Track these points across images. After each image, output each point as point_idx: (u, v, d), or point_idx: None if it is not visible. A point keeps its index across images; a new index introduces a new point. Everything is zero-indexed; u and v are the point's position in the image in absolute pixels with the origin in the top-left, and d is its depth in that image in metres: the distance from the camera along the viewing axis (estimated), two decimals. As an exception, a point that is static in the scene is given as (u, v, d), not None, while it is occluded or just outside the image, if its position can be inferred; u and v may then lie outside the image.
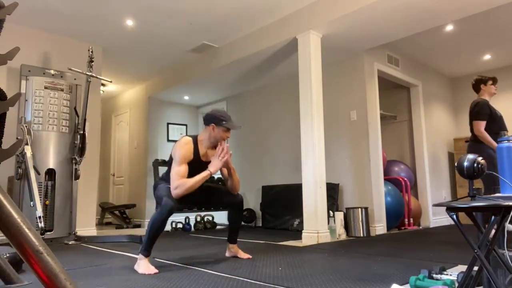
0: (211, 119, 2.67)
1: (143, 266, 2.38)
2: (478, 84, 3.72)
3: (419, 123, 5.56)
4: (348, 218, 4.26)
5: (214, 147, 2.72)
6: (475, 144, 3.55)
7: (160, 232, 2.42)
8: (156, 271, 2.36)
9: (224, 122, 2.65)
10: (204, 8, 4.12)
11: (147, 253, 2.42)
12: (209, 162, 2.64)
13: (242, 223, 5.93)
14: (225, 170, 2.75)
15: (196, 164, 2.60)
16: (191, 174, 2.54)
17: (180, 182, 2.47)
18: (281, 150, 5.69)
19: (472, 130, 3.60)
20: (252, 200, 6.05)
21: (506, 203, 1.24)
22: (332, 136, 4.93)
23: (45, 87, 4.01)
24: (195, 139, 2.67)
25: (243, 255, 2.88)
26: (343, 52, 4.73)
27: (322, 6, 3.93)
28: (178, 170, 2.51)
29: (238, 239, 2.96)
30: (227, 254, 2.94)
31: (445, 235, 4.23)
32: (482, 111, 3.52)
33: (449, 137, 6.21)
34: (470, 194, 1.44)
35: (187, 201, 2.72)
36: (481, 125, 3.49)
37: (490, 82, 3.69)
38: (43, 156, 3.90)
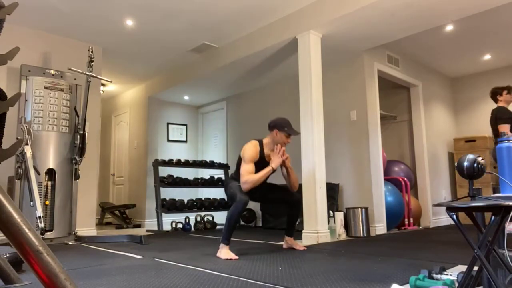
0: (275, 126, 3.10)
1: (225, 252, 2.82)
2: (494, 96, 4.03)
3: (419, 123, 5.55)
4: (348, 218, 4.26)
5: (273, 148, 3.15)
6: None
7: (237, 224, 2.90)
8: (237, 257, 2.78)
9: (285, 129, 3.06)
10: (204, 8, 4.12)
11: (227, 242, 2.89)
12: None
13: (242, 223, 5.94)
14: (284, 170, 3.17)
15: (261, 164, 3.03)
16: (256, 172, 2.99)
17: (249, 177, 2.91)
18: (281, 150, 5.68)
19: (496, 135, 3.91)
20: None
21: (506, 203, 1.24)
22: (332, 136, 4.93)
23: (45, 87, 4.01)
24: (261, 142, 3.12)
25: (299, 246, 3.23)
26: (343, 52, 4.72)
27: (322, 6, 3.93)
28: (247, 168, 2.95)
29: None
30: (284, 246, 3.32)
31: (445, 235, 4.23)
32: (503, 116, 3.84)
33: (449, 137, 6.21)
34: (470, 194, 1.44)
35: (253, 197, 3.15)
36: (506, 128, 3.78)
37: (506, 91, 3.99)
38: (43, 156, 3.90)
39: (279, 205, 3.16)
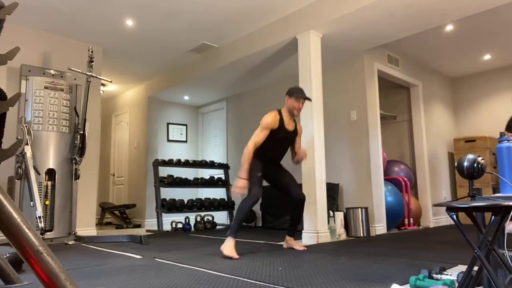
0: (287, 93, 3.21)
1: (229, 247, 2.85)
2: None
3: (419, 123, 5.56)
4: (348, 218, 4.26)
5: (292, 116, 3.22)
6: None
7: (246, 217, 3.01)
8: (237, 257, 2.79)
9: (295, 94, 3.15)
10: (204, 8, 4.12)
11: (235, 235, 2.95)
12: (291, 131, 3.20)
13: (242, 223, 5.92)
14: (298, 141, 3.35)
15: (282, 133, 3.14)
16: (277, 140, 3.13)
17: (246, 150, 3.00)
18: (281, 150, 5.68)
19: None
20: (252, 200, 6.04)
21: (506, 203, 1.24)
22: (332, 136, 4.93)
23: (45, 87, 4.01)
24: (279, 111, 3.20)
25: (299, 247, 3.23)
26: (343, 52, 4.72)
27: (322, 6, 3.93)
28: (256, 136, 3.05)
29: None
30: (284, 246, 3.34)
31: (445, 235, 4.23)
32: (510, 124, 3.97)
33: (449, 137, 6.21)
34: (470, 194, 1.44)
35: (267, 173, 3.24)
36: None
37: None
38: (43, 156, 3.90)
39: (284, 195, 3.26)
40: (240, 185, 2.94)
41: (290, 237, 3.31)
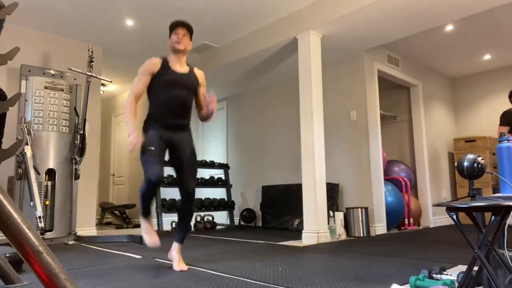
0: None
1: (143, 230, 2.49)
2: (509, 97, 4.13)
3: (419, 123, 5.56)
4: (348, 218, 4.26)
5: (179, 54, 2.60)
6: None
7: (151, 197, 2.41)
8: (156, 240, 2.42)
9: (170, 28, 2.61)
10: (204, 8, 4.12)
11: (143, 216, 2.50)
12: (183, 73, 2.57)
13: (242, 223, 5.92)
14: (201, 91, 2.68)
15: (168, 73, 2.52)
16: (165, 85, 2.50)
17: (126, 103, 2.49)
18: (281, 150, 5.69)
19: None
20: (252, 200, 6.05)
21: (506, 203, 1.24)
22: (332, 136, 4.93)
23: (45, 87, 4.01)
24: (164, 56, 2.62)
25: (181, 265, 2.45)
26: (343, 52, 4.72)
27: (322, 6, 3.93)
28: (134, 85, 2.52)
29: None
30: (168, 255, 2.60)
31: (445, 235, 4.23)
32: (503, 118, 4.02)
33: (449, 137, 6.21)
34: (470, 194, 1.44)
35: (170, 153, 2.64)
36: (504, 129, 3.95)
37: None
38: (43, 156, 3.90)
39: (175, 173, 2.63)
40: (130, 140, 2.38)
41: (176, 244, 2.53)
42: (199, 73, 2.71)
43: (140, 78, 2.51)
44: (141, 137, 2.49)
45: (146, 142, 2.46)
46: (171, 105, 2.53)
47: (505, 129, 3.93)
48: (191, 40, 2.64)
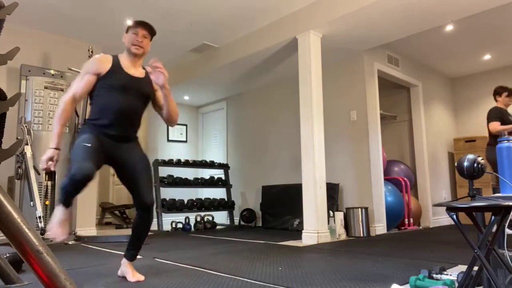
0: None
1: (59, 218, 1.90)
2: (494, 95, 4.12)
3: (419, 123, 5.56)
4: (348, 218, 4.26)
5: (134, 57, 2.21)
6: (491, 147, 3.81)
7: (74, 195, 1.90)
8: (65, 233, 1.88)
9: (128, 26, 2.23)
10: (204, 8, 4.12)
11: (61, 205, 1.92)
12: (137, 77, 2.19)
13: (242, 223, 5.92)
14: (159, 94, 2.26)
15: (119, 76, 2.14)
16: (114, 90, 2.11)
17: (60, 105, 2.10)
18: (281, 150, 5.69)
19: (489, 134, 3.97)
20: (252, 200, 6.05)
21: (506, 203, 1.24)
22: (332, 136, 4.93)
23: (45, 87, 4.01)
24: (115, 55, 2.23)
25: (137, 276, 2.16)
26: (343, 52, 4.72)
27: (322, 6, 3.93)
28: (75, 85, 2.12)
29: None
30: (119, 273, 2.26)
31: (445, 235, 4.23)
32: (492, 115, 3.94)
33: (449, 137, 6.21)
34: (470, 194, 1.44)
35: (116, 162, 2.22)
36: (495, 124, 3.85)
37: (506, 94, 4.05)
38: (43, 156, 3.90)
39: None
40: (45, 157, 1.99)
41: (127, 261, 2.22)
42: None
43: (83, 77, 2.11)
44: (60, 154, 2.10)
45: (81, 140, 2.05)
46: (121, 114, 2.15)
47: (499, 125, 3.84)
48: (150, 41, 2.27)
